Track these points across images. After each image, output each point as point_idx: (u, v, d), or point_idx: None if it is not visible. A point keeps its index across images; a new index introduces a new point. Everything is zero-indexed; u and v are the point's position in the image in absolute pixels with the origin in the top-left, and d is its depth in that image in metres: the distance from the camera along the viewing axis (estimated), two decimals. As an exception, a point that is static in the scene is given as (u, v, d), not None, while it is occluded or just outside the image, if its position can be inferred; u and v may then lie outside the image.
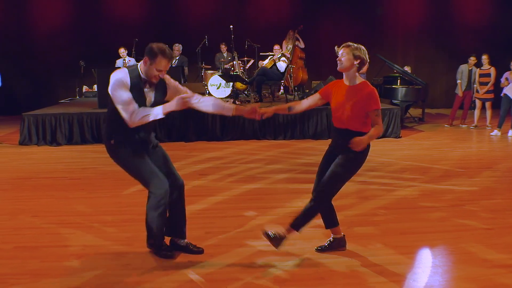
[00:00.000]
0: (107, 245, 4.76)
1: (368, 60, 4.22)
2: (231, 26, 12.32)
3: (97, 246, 4.73)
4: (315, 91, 11.20)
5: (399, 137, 10.94)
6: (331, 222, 4.55)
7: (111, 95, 4.03)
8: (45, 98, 14.61)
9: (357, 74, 4.21)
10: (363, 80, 4.25)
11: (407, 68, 13.89)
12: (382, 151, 9.48)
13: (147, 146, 4.30)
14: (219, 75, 12.61)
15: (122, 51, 13.07)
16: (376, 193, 6.52)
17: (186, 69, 13.56)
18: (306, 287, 3.85)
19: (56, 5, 16.19)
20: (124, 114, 3.99)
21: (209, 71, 13.21)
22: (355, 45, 4.18)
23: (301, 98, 11.64)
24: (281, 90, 14.17)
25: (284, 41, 13.04)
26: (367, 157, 4.33)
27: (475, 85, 12.29)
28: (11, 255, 4.57)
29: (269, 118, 10.73)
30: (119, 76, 4.00)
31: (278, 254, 4.44)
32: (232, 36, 12.36)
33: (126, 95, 3.97)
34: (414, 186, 6.86)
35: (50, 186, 7.12)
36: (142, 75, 4.08)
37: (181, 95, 4.07)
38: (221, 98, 12.78)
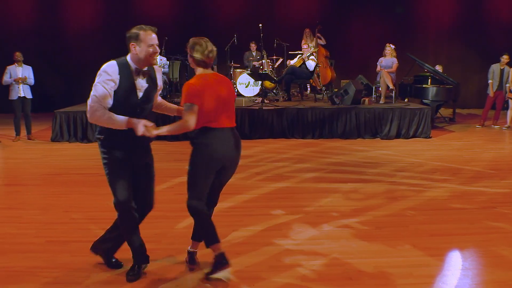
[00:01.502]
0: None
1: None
2: (260, 25, 12.34)
3: (125, 242, 4.78)
4: (344, 90, 11.23)
5: (429, 138, 10.81)
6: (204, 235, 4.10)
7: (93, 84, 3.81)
8: (77, 96, 14.78)
9: None
10: None
11: (439, 67, 13.71)
12: (412, 151, 9.39)
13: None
14: (248, 74, 12.63)
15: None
16: (405, 193, 6.45)
17: (215, 67, 13.60)
18: (334, 286, 3.84)
19: (88, 6, 16.42)
20: (88, 107, 3.79)
21: (238, 70, 13.26)
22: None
23: (330, 97, 11.61)
24: (309, 89, 14.16)
25: (303, 40, 13.01)
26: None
27: (507, 85, 12.07)
28: (43, 248, 4.66)
29: (297, 117, 10.78)
30: (106, 69, 3.79)
31: (305, 253, 4.44)
32: (261, 34, 12.38)
33: (102, 90, 3.74)
34: (444, 187, 6.77)
35: (80, 182, 7.24)
36: (133, 65, 3.86)
37: (148, 125, 3.76)
38: (250, 97, 12.85)
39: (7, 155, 9.48)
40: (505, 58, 12.14)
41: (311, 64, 12.12)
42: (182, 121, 3.87)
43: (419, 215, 5.56)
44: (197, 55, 3.99)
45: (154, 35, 3.91)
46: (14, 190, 7.02)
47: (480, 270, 4.17)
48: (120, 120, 3.72)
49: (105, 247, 4.23)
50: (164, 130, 3.88)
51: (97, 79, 3.78)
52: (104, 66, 3.83)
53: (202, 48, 3.98)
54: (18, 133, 10.86)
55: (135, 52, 3.86)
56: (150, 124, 3.77)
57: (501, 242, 4.73)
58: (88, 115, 3.81)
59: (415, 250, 4.54)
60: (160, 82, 4.15)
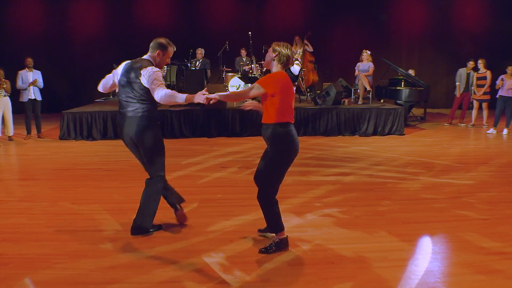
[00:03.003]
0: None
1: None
2: (250, 33, 12.33)
3: (128, 231, 4.77)
4: (326, 92, 11.26)
5: (403, 135, 10.88)
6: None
7: (152, 77, 4.25)
8: (83, 98, 14.75)
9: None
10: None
11: (412, 71, 13.77)
12: (387, 147, 9.44)
13: None
14: (239, 77, 12.62)
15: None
16: (381, 185, 6.50)
17: (208, 71, 13.58)
18: (317, 270, 3.87)
19: (93, 14, 16.32)
20: (163, 96, 4.21)
21: (229, 74, 13.22)
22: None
23: (313, 98, 11.64)
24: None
25: (293, 47, 13.01)
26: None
27: (472, 87, 12.17)
28: (53, 237, 4.65)
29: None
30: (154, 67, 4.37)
31: (291, 240, 4.46)
32: (251, 41, 12.38)
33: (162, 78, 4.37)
34: (417, 179, 6.82)
35: (87, 176, 7.21)
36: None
37: (203, 92, 4.12)
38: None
39: (19, 152, 9.41)
40: (471, 63, 12.23)
41: (295, 68, 12.13)
42: (244, 90, 4.11)
43: (393, 205, 5.60)
44: (287, 51, 4.12)
45: (173, 51, 4.61)
46: (26, 184, 6.98)
47: (448, 253, 4.22)
48: (182, 96, 4.16)
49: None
50: (221, 94, 4.17)
51: (152, 75, 4.26)
52: (150, 67, 4.34)
53: (290, 50, 4.15)
54: (29, 132, 10.80)
55: (158, 58, 4.49)
56: (205, 92, 4.10)
57: (467, 229, 4.78)
58: (163, 100, 4.20)
59: (390, 236, 4.58)
60: None
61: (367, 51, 12.12)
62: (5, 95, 10.31)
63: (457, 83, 12.39)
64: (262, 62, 13.54)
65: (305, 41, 12.60)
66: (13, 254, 4.23)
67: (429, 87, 12.71)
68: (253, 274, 3.81)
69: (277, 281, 3.70)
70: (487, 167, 7.65)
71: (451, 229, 4.77)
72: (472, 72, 12.19)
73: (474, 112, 12.27)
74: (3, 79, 10.28)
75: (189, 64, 13.38)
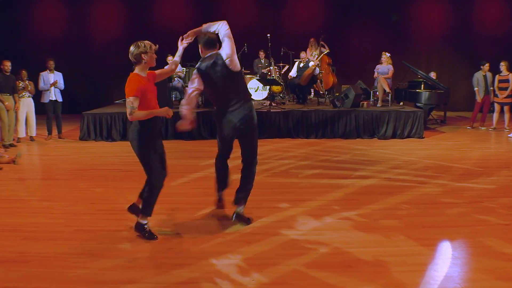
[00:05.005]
0: (155, 231, 4.83)
1: None
2: (268, 35, 12.33)
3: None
4: (345, 95, 11.21)
5: (422, 138, 10.77)
6: None
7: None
8: (102, 99, 14.90)
9: None
10: None
11: (433, 74, 13.64)
12: (406, 150, 9.35)
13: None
14: (257, 79, 12.64)
15: (170, 58, 13.19)
16: (400, 189, 6.43)
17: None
18: (335, 273, 3.84)
19: (112, 17, 16.52)
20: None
21: (248, 76, 13.25)
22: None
23: (332, 101, 11.59)
24: (312, 93, 14.13)
25: (308, 49, 12.98)
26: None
27: (491, 88, 12.00)
28: (72, 237, 4.70)
29: (302, 119, 10.77)
30: None
31: (309, 243, 4.44)
32: (269, 43, 12.37)
33: None
34: (436, 183, 6.74)
35: (106, 177, 7.27)
36: None
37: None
38: (259, 100, 12.84)
39: (40, 152, 9.55)
40: (486, 66, 12.08)
41: (317, 70, 12.11)
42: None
43: (412, 209, 5.54)
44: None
45: None
46: (46, 184, 7.07)
47: (468, 259, 4.15)
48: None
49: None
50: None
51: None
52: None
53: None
54: (50, 132, 10.95)
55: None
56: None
57: (487, 234, 4.70)
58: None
59: (409, 241, 4.53)
60: None
61: (387, 53, 12.04)
62: (28, 96, 10.49)
63: (476, 88, 12.22)
64: (281, 64, 13.59)
65: (322, 43, 12.57)
66: (34, 252, 4.28)
67: (449, 89, 12.58)
68: (270, 276, 3.79)
69: (294, 284, 3.68)
70: (508, 171, 7.52)
71: (471, 234, 4.70)
72: (488, 74, 12.05)
73: (495, 116, 12.10)
74: (27, 81, 10.45)
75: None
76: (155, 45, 4.60)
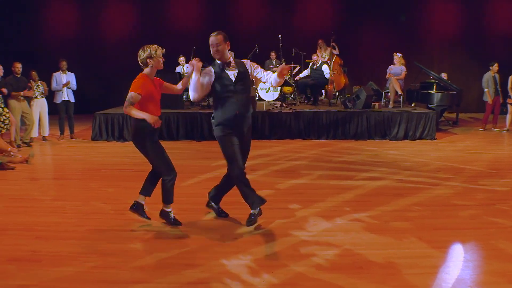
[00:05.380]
0: (166, 231, 4.86)
1: None
2: (280, 36, 12.32)
3: (157, 231, 4.84)
4: (356, 96, 11.17)
5: (434, 139, 10.70)
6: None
7: None
8: (114, 99, 14.92)
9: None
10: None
11: (444, 75, 13.54)
12: (418, 151, 9.30)
13: None
14: (268, 80, 12.62)
15: (182, 59, 13.27)
16: (411, 190, 6.39)
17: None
18: (346, 275, 3.82)
19: (124, 17, 16.61)
20: None
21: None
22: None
23: (343, 102, 11.56)
24: (323, 95, 14.09)
25: (317, 51, 12.96)
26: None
27: (499, 88, 11.90)
28: (84, 236, 4.73)
29: (313, 119, 10.75)
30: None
31: (320, 244, 4.43)
32: (280, 44, 12.37)
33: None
34: (448, 185, 6.69)
35: (117, 177, 7.31)
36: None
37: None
38: (270, 101, 12.84)
39: (52, 152, 9.63)
40: (495, 66, 11.98)
41: (327, 71, 12.08)
42: None
43: (424, 211, 5.51)
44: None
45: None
46: (58, 183, 7.13)
47: (480, 261, 4.12)
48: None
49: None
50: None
51: None
52: None
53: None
54: (62, 132, 11.04)
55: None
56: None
57: (500, 236, 4.66)
58: None
59: (420, 243, 4.50)
60: None
61: (398, 54, 11.98)
62: (41, 97, 10.58)
63: (486, 90, 12.12)
64: (292, 65, 13.56)
65: (332, 44, 12.54)
66: (45, 251, 4.31)
67: (461, 91, 12.49)
68: (280, 277, 3.79)
69: (305, 285, 3.68)
70: (521, 173, 7.47)
71: (483, 237, 4.66)
72: (496, 75, 11.96)
73: (508, 117, 11.99)
74: (39, 81, 10.54)
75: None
76: (162, 49, 4.72)
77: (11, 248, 4.41)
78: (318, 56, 12.65)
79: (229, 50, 4.77)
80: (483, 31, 16.26)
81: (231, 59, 4.79)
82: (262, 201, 4.90)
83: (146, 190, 4.99)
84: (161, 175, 4.83)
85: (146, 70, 4.69)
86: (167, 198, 4.88)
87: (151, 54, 4.61)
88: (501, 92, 11.96)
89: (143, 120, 4.52)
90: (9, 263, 4.06)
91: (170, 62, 13.94)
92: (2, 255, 4.23)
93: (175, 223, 4.96)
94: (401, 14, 16.22)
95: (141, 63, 4.67)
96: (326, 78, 12.17)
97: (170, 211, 4.97)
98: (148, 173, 5.04)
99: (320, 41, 13.03)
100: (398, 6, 16.20)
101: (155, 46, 4.67)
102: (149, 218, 5.03)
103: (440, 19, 16.39)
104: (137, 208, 4.96)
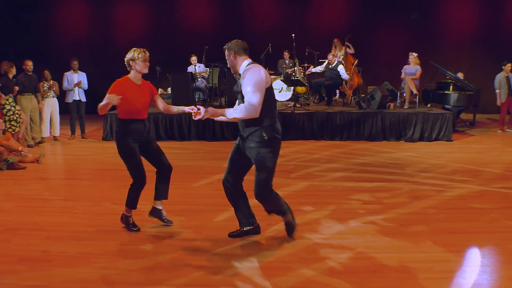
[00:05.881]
0: (177, 232, 4.87)
1: None
2: (293, 35, 12.31)
3: (168, 233, 4.86)
4: (371, 96, 11.12)
5: (451, 141, 10.62)
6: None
7: None
8: (126, 99, 15.05)
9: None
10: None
11: (460, 75, 13.44)
12: (434, 153, 9.24)
13: None
14: (281, 80, 12.63)
15: (194, 58, 13.30)
16: (427, 193, 6.35)
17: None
18: (359, 279, 3.81)
19: (136, 18, 16.70)
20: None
21: (272, 76, 13.25)
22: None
23: (357, 102, 11.52)
24: (337, 95, 14.05)
25: (332, 50, 12.93)
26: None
27: None
28: (94, 237, 4.77)
29: (327, 120, 10.73)
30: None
31: (333, 247, 4.42)
32: (294, 44, 12.35)
33: None
34: (465, 187, 6.64)
35: (128, 177, 7.27)
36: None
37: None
38: (283, 101, 12.84)
39: (63, 152, 9.71)
40: (508, 66, 11.88)
41: (342, 71, 12.05)
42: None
43: (440, 214, 5.47)
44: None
45: None
46: (69, 183, 7.19)
47: (498, 266, 4.07)
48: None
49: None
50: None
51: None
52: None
53: None
54: (73, 132, 11.12)
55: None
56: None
57: (519, 241, 4.62)
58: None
59: (435, 246, 4.47)
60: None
61: (414, 53, 11.91)
62: (53, 96, 10.68)
63: (497, 90, 12.01)
64: (305, 64, 13.55)
65: (347, 43, 12.49)
66: (56, 251, 4.35)
67: (479, 91, 12.38)
68: (292, 280, 3.78)
69: (318, 288, 3.67)
70: (541, 176, 7.38)
71: (501, 241, 4.61)
72: (510, 75, 11.85)
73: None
74: (52, 81, 10.64)
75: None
76: (146, 53, 4.83)
77: (21, 248, 4.45)
78: (333, 55, 12.61)
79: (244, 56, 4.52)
80: (501, 29, 16.08)
81: (242, 70, 4.45)
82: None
83: (159, 194, 5.00)
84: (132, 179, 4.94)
85: (130, 74, 4.82)
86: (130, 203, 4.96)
87: (133, 57, 4.75)
88: None
89: (121, 121, 4.76)
90: (20, 263, 4.10)
91: (182, 61, 14.05)
92: (13, 255, 4.28)
93: (132, 227, 4.95)
94: (412, 13, 16.10)
95: (126, 64, 4.83)
96: (341, 78, 12.15)
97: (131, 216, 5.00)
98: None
99: (335, 40, 13.00)
100: (414, 4, 16.09)
101: (141, 49, 4.80)
102: (171, 222, 5.04)
103: (457, 17, 16.24)
104: (155, 213, 5.00)
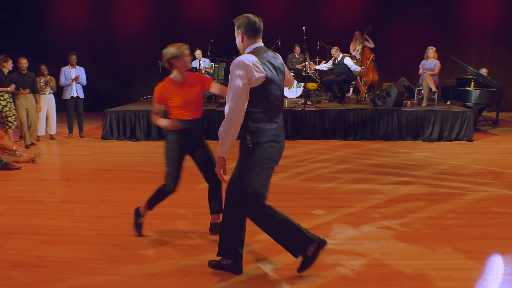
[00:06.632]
0: (180, 237, 4.88)
1: None
2: (304, 28, 12.30)
3: (171, 237, 4.87)
4: (386, 92, 11.09)
5: (472, 141, 10.57)
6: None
7: None
8: (126, 96, 15.12)
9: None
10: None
11: (484, 71, 13.37)
12: (454, 154, 9.20)
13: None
14: (291, 76, 12.63)
15: (198, 52, 13.34)
16: (446, 196, 6.33)
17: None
18: (373, 287, 3.80)
19: (137, 11, 16.78)
20: None
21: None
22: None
23: (372, 99, 11.49)
24: (351, 91, 14.02)
25: (351, 43, 12.91)
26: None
27: None
28: (93, 241, 4.79)
29: (339, 118, 10.71)
30: None
31: (345, 253, 4.42)
32: (305, 37, 12.34)
33: None
34: (486, 190, 6.61)
35: (129, 178, 7.38)
36: None
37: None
38: (293, 98, 12.83)
39: (60, 152, 9.75)
40: None
41: (354, 66, 12.03)
42: None
43: (460, 218, 5.45)
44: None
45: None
46: (67, 184, 7.22)
47: (522, 275, 4.06)
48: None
49: None
50: None
51: None
52: None
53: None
54: (70, 130, 11.18)
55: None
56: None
57: (544, 248, 4.60)
58: None
59: (455, 253, 4.45)
60: None
61: (433, 47, 11.87)
62: (50, 93, 10.73)
63: None
64: (317, 59, 13.53)
65: (365, 36, 12.47)
66: (53, 257, 4.37)
67: (502, 87, 12.32)
68: (303, 288, 3.79)
69: (329, 297, 3.67)
70: None
71: (525, 247, 4.60)
72: None
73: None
74: (49, 76, 10.69)
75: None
76: (185, 45, 4.62)
77: (16, 252, 4.48)
78: (336, 50, 12.55)
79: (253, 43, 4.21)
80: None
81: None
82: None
83: (213, 207, 4.88)
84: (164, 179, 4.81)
85: (173, 72, 4.63)
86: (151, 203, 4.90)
87: (178, 53, 4.54)
88: None
89: (172, 131, 4.64)
90: (15, 268, 4.12)
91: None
92: (8, 260, 4.30)
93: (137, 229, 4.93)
94: (427, 5, 16.03)
95: (167, 66, 4.63)
96: (352, 72, 12.10)
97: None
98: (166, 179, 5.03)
99: (357, 33, 13.00)
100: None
101: (179, 44, 4.60)
102: None
103: (479, 10, 16.16)
104: (214, 229, 4.82)
